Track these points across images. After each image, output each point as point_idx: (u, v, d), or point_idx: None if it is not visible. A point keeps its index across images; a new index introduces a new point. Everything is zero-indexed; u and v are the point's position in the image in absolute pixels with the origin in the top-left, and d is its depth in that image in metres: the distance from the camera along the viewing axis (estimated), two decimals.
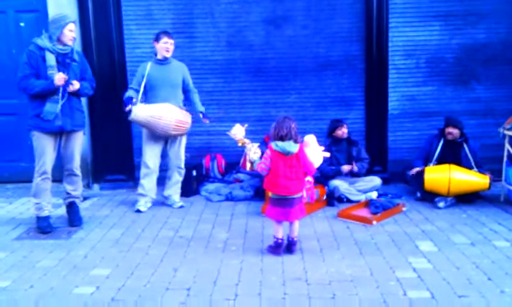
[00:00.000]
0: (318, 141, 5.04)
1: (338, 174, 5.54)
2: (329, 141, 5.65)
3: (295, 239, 3.96)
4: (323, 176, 5.52)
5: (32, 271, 3.71)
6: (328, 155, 5.11)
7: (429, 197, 5.23)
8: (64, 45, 4.43)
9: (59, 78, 4.30)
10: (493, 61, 6.15)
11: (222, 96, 6.33)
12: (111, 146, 6.17)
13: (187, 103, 5.34)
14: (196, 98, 5.36)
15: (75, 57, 4.55)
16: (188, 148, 5.77)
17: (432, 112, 6.19)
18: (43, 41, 4.38)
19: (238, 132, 4.87)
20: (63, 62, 4.44)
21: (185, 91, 5.31)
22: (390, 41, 6.07)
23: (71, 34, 4.43)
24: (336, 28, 6.17)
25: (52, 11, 5.93)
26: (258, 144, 5.31)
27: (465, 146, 5.42)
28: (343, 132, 5.59)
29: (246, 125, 4.84)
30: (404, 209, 5.02)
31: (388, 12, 5.99)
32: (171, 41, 5.13)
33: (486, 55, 6.15)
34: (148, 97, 5.13)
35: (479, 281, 3.36)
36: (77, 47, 5.89)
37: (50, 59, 4.36)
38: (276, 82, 6.30)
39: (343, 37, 6.19)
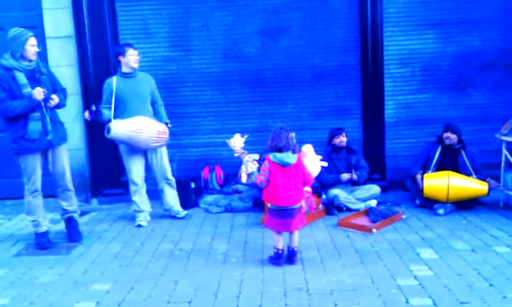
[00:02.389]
0: (316, 150, 5.08)
1: (337, 182, 5.55)
2: (329, 149, 5.67)
3: (295, 249, 3.95)
4: (323, 185, 5.53)
5: (32, 287, 3.69)
6: (325, 164, 5.15)
7: (429, 204, 5.24)
8: (29, 60, 4.36)
9: (38, 92, 4.23)
10: (488, 68, 6.19)
11: (219, 108, 6.34)
12: (108, 161, 6.14)
13: (155, 115, 5.27)
14: (162, 109, 5.32)
15: (43, 70, 4.49)
16: (186, 161, 5.78)
17: (429, 120, 6.21)
18: (7, 61, 4.29)
19: (237, 142, 4.88)
20: (33, 77, 4.36)
21: (152, 103, 5.25)
22: (385, 50, 6.10)
23: (33, 49, 4.35)
24: (331, 38, 6.21)
25: (49, 26, 5.99)
26: (257, 155, 5.34)
27: (463, 152, 5.45)
28: (341, 140, 5.61)
29: (245, 136, 4.83)
30: (403, 217, 5.03)
31: (382, 21, 6.03)
32: (136, 52, 5.09)
33: (480, 62, 6.19)
34: (118, 112, 5.00)
35: (480, 288, 3.36)
36: (74, 61, 5.98)
37: (21, 77, 4.28)
38: (273, 92, 6.32)
39: (338, 47, 6.23)
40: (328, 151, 5.65)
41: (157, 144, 5.02)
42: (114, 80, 5.03)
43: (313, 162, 4.95)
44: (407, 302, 3.20)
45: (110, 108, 5.00)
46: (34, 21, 6.10)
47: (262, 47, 6.26)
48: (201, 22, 6.21)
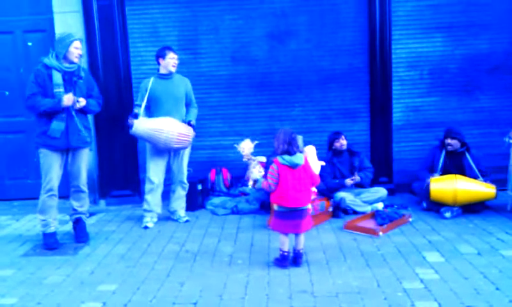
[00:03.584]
0: (319, 153, 5.10)
1: (342, 187, 5.54)
2: (331, 153, 5.67)
3: (301, 251, 3.95)
4: (328, 189, 5.53)
5: (39, 288, 3.72)
6: (323, 163, 5.18)
7: (435, 208, 5.21)
8: (71, 62, 4.48)
9: (67, 98, 4.35)
10: (497, 71, 6.15)
11: (227, 110, 6.37)
12: (117, 162, 6.21)
13: (186, 116, 5.33)
14: (192, 111, 5.37)
15: (82, 74, 4.60)
16: (193, 162, 5.80)
17: (437, 123, 6.18)
18: (50, 60, 4.43)
19: (246, 147, 4.89)
20: (70, 80, 4.48)
21: (187, 105, 5.33)
22: (393, 53, 6.10)
23: (77, 51, 4.49)
24: (339, 41, 6.21)
25: (59, 30, 6.02)
26: (265, 157, 5.34)
27: (467, 155, 5.42)
28: (341, 143, 5.62)
29: (255, 142, 4.84)
30: (410, 220, 5.01)
31: (390, 24, 6.02)
32: (176, 56, 5.18)
33: (489, 65, 6.15)
34: (151, 111, 5.15)
35: (487, 291, 3.34)
36: (84, 64, 6.03)
37: (57, 77, 4.41)
38: (281, 95, 6.33)
39: (346, 50, 6.23)
40: (330, 156, 5.65)
41: (178, 145, 5.05)
42: (150, 81, 5.15)
43: (313, 162, 4.98)
44: (413, 305, 3.19)
45: (141, 105, 5.11)
46: (44, 25, 6.17)
47: (270, 50, 6.28)
48: (210, 25, 6.25)
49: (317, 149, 5.31)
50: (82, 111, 4.60)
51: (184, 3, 6.21)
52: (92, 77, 4.87)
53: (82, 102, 4.50)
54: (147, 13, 6.23)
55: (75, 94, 4.46)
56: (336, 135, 5.65)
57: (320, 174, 5.17)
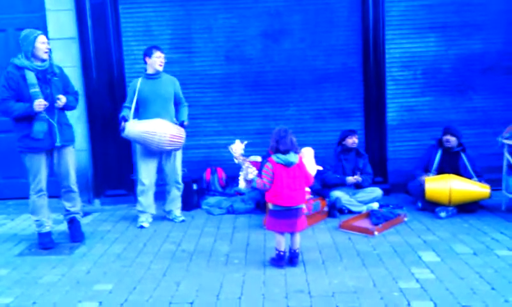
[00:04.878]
0: (318, 152, 5.10)
1: (342, 183, 5.56)
2: (340, 149, 5.70)
3: (297, 251, 3.96)
4: (326, 185, 5.56)
5: (34, 287, 3.70)
6: (320, 168, 5.20)
7: (430, 207, 5.24)
8: (42, 60, 4.38)
9: (38, 104, 4.24)
10: (490, 71, 6.19)
11: (221, 109, 6.35)
12: (111, 161, 6.18)
13: (177, 116, 5.31)
14: (184, 109, 5.33)
15: (56, 71, 4.51)
16: (188, 162, 5.80)
17: (431, 123, 6.21)
18: (20, 60, 4.32)
19: (237, 148, 4.90)
20: (44, 78, 4.39)
21: (176, 104, 5.30)
22: (386, 53, 6.11)
23: (44, 46, 4.37)
24: (333, 41, 6.22)
25: (52, 28, 6.01)
26: (260, 157, 5.33)
27: (463, 155, 5.47)
28: (353, 141, 5.64)
29: (245, 142, 4.84)
30: (405, 219, 5.03)
31: (384, 24, 6.04)
32: (163, 55, 5.14)
33: (482, 65, 6.18)
34: (140, 112, 5.12)
35: (482, 291, 3.36)
36: (77, 62, 6.00)
37: (31, 76, 4.31)
38: (275, 95, 6.33)
39: (340, 49, 6.23)
40: (338, 151, 5.69)
41: (171, 147, 5.04)
42: (138, 81, 5.11)
43: (310, 164, 4.99)
44: (409, 305, 3.20)
45: (130, 107, 5.09)
46: (37, 22, 6.10)
47: (264, 49, 6.27)
48: (203, 24, 6.23)
49: (312, 148, 5.32)
50: (61, 108, 4.52)
51: (177, 2, 6.19)
52: (65, 73, 4.75)
53: (63, 99, 4.43)
54: (140, 12, 6.20)
55: (51, 92, 4.38)
56: (350, 132, 5.67)
57: (322, 169, 5.20)
